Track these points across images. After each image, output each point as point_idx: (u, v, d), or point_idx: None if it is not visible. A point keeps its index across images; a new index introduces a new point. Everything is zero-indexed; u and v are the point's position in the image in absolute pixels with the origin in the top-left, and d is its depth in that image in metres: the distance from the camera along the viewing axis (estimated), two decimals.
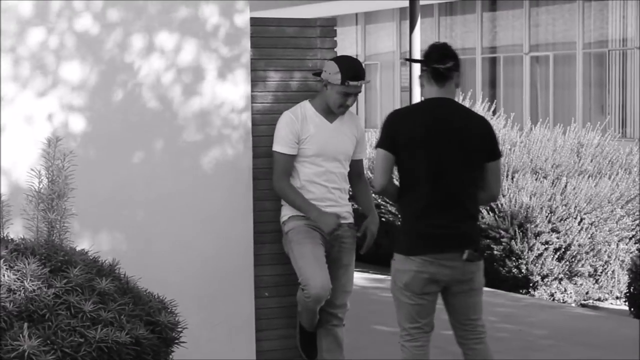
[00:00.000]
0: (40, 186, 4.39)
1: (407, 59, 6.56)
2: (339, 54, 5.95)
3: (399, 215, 5.31)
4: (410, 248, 5.13)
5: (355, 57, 5.88)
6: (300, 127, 5.68)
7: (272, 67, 5.99)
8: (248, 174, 5.85)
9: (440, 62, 5.15)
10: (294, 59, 6.04)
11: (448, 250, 5.12)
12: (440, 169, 5.09)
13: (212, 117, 5.74)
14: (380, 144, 5.17)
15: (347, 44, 24.67)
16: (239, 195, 5.82)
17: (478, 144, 5.16)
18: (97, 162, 5.45)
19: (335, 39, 6.17)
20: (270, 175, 5.84)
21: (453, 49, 5.26)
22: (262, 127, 5.92)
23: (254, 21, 5.89)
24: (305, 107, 5.75)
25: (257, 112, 5.93)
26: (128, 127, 5.56)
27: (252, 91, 5.89)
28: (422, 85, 5.27)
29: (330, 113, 5.75)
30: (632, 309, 9.00)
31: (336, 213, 5.70)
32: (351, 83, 5.61)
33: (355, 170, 5.94)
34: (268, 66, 5.97)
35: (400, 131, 5.12)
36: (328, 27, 6.16)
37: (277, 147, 5.71)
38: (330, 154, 5.76)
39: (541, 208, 9.95)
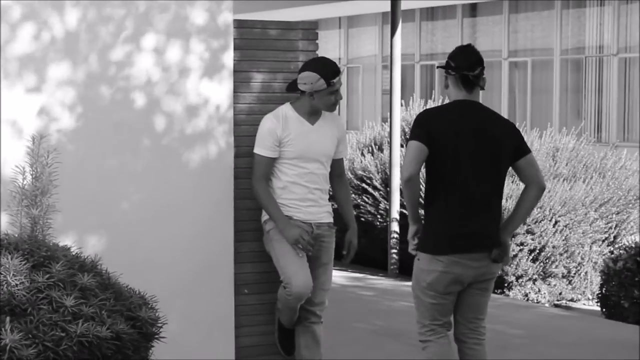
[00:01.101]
0: (24, 182, 4.37)
1: (438, 66, 6.20)
2: (320, 57, 5.91)
3: (426, 216, 5.18)
4: (438, 248, 5.08)
5: (322, 57, 5.83)
6: (281, 130, 5.66)
7: (255, 68, 5.98)
8: (230, 173, 5.84)
9: (470, 69, 5.13)
10: (276, 61, 6.04)
11: (476, 251, 5.10)
12: (470, 171, 5.07)
13: (196, 117, 5.73)
14: (415, 137, 5.05)
15: (330, 47, 24.69)
16: (220, 194, 5.81)
17: (505, 146, 5.15)
18: (81, 159, 5.43)
19: (317, 41, 6.18)
20: (252, 174, 5.83)
21: (479, 53, 5.24)
22: (245, 127, 5.92)
23: (238, 23, 5.89)
24: (287, 110, 5.73)
25: (239, 112, 5.92)
26: (113, 126, 5.54)
27: (235, 91, 5.88)
28: (446, 86, 5.23)
29: (313, 115, 5.74)
30: (604, 310, 9.04)
31: (303, 228, 5.66)
32: (334, 80, 5.62)
33: (337, 170, 5.94)
34: (251, 67, 5.97)
35: (434, 129, 5.06)
36: (310, 30, 6.16)
37: (257, 150, 5.69)
38: (312, 155, 5.75)
39: None
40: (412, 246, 5.21)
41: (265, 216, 5.76)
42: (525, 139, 10.91)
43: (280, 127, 5.66)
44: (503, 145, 5.15)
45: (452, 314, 5.24)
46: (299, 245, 5.62)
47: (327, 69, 5.64)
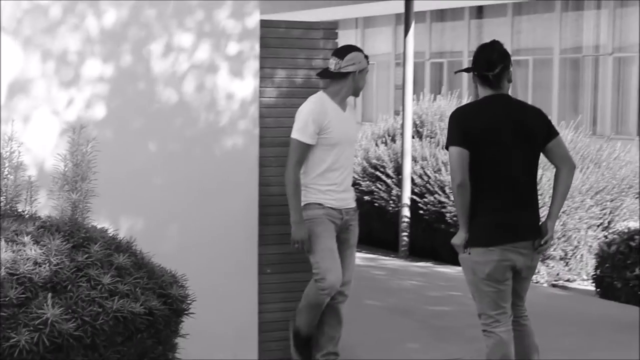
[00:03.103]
0: (66, 169, 4.34)
1: (457, 71, 5.71)
2: (347, 44, 5.80)
3: (473, 211, 4.90)
4: (490, 239, 4.91)
5: (349, 44, 5.77)
6: (324, 116, 5.49)
7: (279, 65, 5.93)
8: (255, 161, 5.80)
9: (490, 69, 4.94)
10: (298, 59, 5.99)
11: (523, 239, 4.96)
12: (512, 161, 4.92)
13: (223, 109, 5.69)
14: (453, 142, 4.87)
15: None
16: (246, 181, 5.77)
17: (537, 132, 4.99)
18: (117, 149, 5.41)
19: (336, 40, 6.13)
20: (276, 163, 5.79)
21: (501, 50, 5.01)
22: (269, 119, 5.88)
23: (264, 23, 5.84)
24: (324, 98, 5.57)
25: (264, 106, 5.88)
26: (146, 118, 5.51)
27: (260, 86, 5.83)
28: (475, 86, 5.06)
29: (342, 102, 5.62)
30: (598, 290, 8.97)
31: (333, 218, 5.53)
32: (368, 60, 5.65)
33: None
34: (275, 64, 5.92)
35: (470, 127, 4.88)
36: (330, 29, 6.11)
37: (298, 136, 5.47)
38: (348, 140, 5.63)
39: None
40: (462, 251, 4.98)
41: (302, 202, 5.54)
42: None
43: (323, 114, 5.50)
44: (537, 132, 4.99)
45: (511, 299, 5.04)
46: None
47: (361, 51, 5.64)
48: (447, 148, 4.95)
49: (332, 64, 5.57)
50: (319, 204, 5.53)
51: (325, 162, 5.53)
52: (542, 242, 5.00)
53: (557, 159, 5.04)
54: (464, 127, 4.88)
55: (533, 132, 4.97)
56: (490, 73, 4.94)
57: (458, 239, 4.99)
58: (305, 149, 5.48)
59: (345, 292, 5.72)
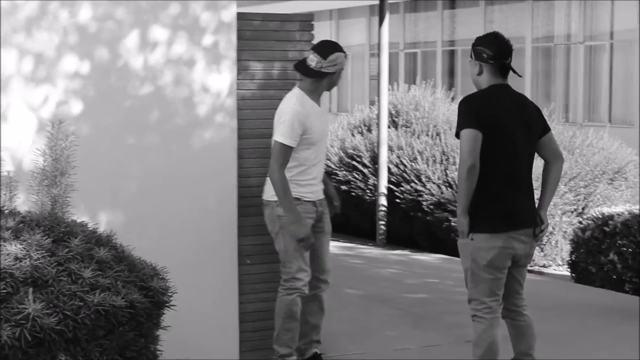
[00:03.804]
0: (45, 164, 4.31)
1: (475, 57, 5.17)
2: (328, 40, 5.79)
3: (479, 197, 4.86)
4: (495, 226, 4.91)
5: (329, 40, 5.73)
6: (306, 119, 5.42)
7: (256, 57, 5.90)
8: (233, 153, 5.78)
9: (506, 58, 4.98)
10: (275, 51, 5.96)
11: (527, 226, 5.00)
12: (516, 150, 4.95)
13: (201, 103, 5.66)
14: (467, 125, 4.83)
15: (322, 37, 24.40)
16: (224, 173, 5.75)
17: (536, 124, 5.05)
18: (95, 144, 5.36)
19: (312, 32, 6.10)
20: (254, 154, 5.77)
21: (509, 41, 5.09)
22: (246, 111, 5.85)
23: (239, 16, 5.81)
24: (303, 97, 5.49)
25: (241, 98, 5.85)
26: (123, 112, 5.47)
27: (237, 79, 5.80)
28: (479, 73, 5.02)
29: (318, 99, 5.57)
30: (573, 275, 9.03)
31: (309, 214, 5.50)
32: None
33: None
34: (252, 57, 5.89)
35: (483, 113, 4.88)
36: (306, 21, 6.08)
37: (284, 140, 5.36)
38: (325, 135, 5.64)
39: None
40: (466, 237, 4.94)
41: (272, 197, 5.52)
42: None
43: (306, 115, 5.43)
44: (535, 124, 5.05)
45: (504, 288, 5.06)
46: (301, 244, 5.45)
47: (343, 49, 5.59)
48: (457, 134, 4.91)
49: (314, 61, 5.48)
50: (297, 199, 5.50)
51: (307, 160, 5.51)
52: (536, 233, 5.05)
53: (549, 153, 5.12)
54: (477, 112, 4.88)
55: (532, 122, 5.04)
56: (507, 62, 4.98)
57: (463, 224, 4.93)
58: (290, 151, 5.42)
59: (327, 280, 5.76)
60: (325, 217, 5.72)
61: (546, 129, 5.12)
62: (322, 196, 5.68)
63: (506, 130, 4.92)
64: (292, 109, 5.41)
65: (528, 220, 5.03)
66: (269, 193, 5.54)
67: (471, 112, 4.89)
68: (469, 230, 4.93)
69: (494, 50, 4.99)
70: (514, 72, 5.06)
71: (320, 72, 5.47)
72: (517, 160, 4.98)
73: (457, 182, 4.94)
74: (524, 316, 5.20)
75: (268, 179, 5.52)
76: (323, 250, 5.69)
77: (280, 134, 5.39)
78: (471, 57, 5.09)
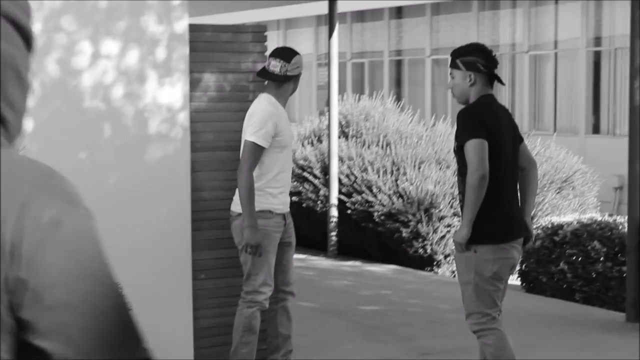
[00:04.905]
0: None
1: (470, 68, 5.10)
2: (284, 46, 5.80)
3: (481, 208, 4.77)
4: (499, 236, 4.84)
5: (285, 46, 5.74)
6: (278, 120, 5.38)
7: (208, 69, 5.84)
8: (186, 166, 5.70)
9: (496, 67, 5.00)
10: (228, 62, 5.90)
11: (520, 235, 4.97)
12: (511, 159, 4.94)
13: (153, 117, 5.57)
14: (473, 134, 4.75)
15: (270, 47, 24.45)
16: (177, 187, 5.67)
17: (517, 132, 5.07)
18: (46, 158, 5.23)
19: (265, 43, 6.06)
20: (208, 167, 5.71)
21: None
22: (199, 124, 5.78)
23: (191, 27, 5.74)
24: (273, 101, 5.46)
25: (194, 110, 5.78)
26: (74, 126, 5.37)
27: (190, 92, 5.73)
28: (473, 84, 4.95)
29: (285, 104, 5.56)
30: (524, 285, 9.06)
31: (277, 228, 5.46)
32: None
33: None
34: (204, 69, 5.82)
35: (485, 122, 4.83)
36: (259, 32, 6.04)
37: (255, 139, 5.30)
38: (292, 141, 5.65)
39: (444, 195, 9.95)
40: (463, 249, 4.83)
41: (239, 210, 5.42)
42: (450, 130, 10.98)
43: (279, 117, 5.40)
44: (517, 133, 5.07)
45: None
46: (247, 250, 5.36)
47: (297, 52, 5.60)
48: (461, 145, 4.81)
49: (277, 66, 5.45)
50: (270, 211, 5.43)
51: (278, 165, 5.44)
52: (525, 242, 5.06)
53: (525, 160, 5.10)
54: (482, 121, 4.82)
55: (517, 133, 5.07)
56: (494, 71, 4.98)
57: (462, 237, 4.81)
58: (261, 152, 5.35)
59: (293, 292, 5.72)
60: (291, 230, 5.67)
61: (521, 137, 5.15)
62: (288, 208, 5.63)
63: (503, 139, 4.92)
64: (265, 110, 5.38)
65: (520, 229, 5.00)
66: (238, 204, 5.45)
67: (476, 121, 4.82)
68: (468, 243, 4.82)
69: (486, 60, 4.97)
70: (499, 81, 5.04)
71: (286, 75, 5.47)
72: (513, 169, 4.99)
73: (463, 192, 4.78)
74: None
75: (237, 190, 5.44)
76: (289, 264, 5.65)
77: (252, 133, 5.34)
78: (457, 68, 5.00)
